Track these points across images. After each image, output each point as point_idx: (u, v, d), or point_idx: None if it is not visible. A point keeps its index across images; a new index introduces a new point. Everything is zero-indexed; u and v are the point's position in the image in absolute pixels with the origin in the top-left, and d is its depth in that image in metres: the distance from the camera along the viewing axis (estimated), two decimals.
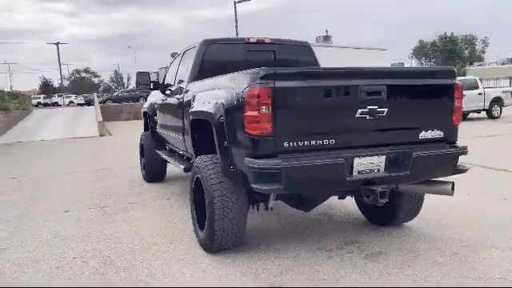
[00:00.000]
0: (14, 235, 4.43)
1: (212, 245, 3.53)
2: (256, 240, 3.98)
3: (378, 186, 3.23)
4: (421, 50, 70.96)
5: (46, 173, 8.48)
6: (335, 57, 39.39)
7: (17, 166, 9.55)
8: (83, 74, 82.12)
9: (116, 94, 42.75)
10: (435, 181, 3.63)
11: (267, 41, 5.04)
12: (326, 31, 57.17)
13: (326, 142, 3.07)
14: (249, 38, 4.99)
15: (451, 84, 3.45)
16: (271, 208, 3.66)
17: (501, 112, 17.95)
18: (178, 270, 3.39)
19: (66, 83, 72.80)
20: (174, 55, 27.57)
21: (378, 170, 3.24)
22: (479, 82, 18.10)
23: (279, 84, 2.92)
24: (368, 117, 3.13)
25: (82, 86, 75.31)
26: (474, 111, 17.75)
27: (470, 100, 17.19)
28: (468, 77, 20.65)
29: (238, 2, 27.24)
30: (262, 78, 2.91)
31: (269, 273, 3.25)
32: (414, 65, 70.34)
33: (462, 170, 3.53)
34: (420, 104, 3.43)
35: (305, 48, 5.29)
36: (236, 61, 4.79)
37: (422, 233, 4.10)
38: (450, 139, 3.51)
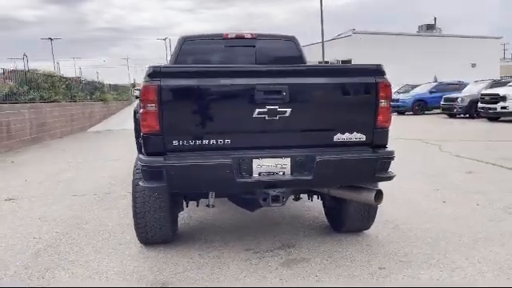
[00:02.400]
0: None
1: (139, 237, 3.70)
2: (200, 236, 4.06)
3: (275, 190, 3.09)
4: None
5: (98, 157, 9.45)
6: (436, 47, 36.88)
7: (82, 151, 10.75)
8: None
9: None
10: (361, 187, 3.35)
11: (247, 36, 4.96)
12: (434, 19, 53.31)
13: (220, 141, 3.02)
14: (227, 34, 4.96)
15: (374, 83, 3.12)
16: (213, 205, 3.71)
17: None
18: (100, 257, 3.60)
19: None
20: None
21: (283, 173, 3.10)
22: None
23: (166, 82, 2.92)
24: (267, 117, 3.00)
25: None
26: None
27: None
28: None
29: None
30: (148, 75, 2.95)
31: (171, 270, 3.31)
32: None
33: (386, 178, 3.20)
34: (334, 104, 3.17)
35: (289, 43, 5.11)
36: (214, 57, 4.84)
37: (372, 242, 3.80)
38: (375, 143, 3.19)
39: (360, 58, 36.21)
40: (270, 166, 3.07)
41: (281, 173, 3.09)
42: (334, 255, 3.54)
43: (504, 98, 15.22)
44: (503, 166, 7.08)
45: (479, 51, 37.66)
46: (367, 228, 4.02)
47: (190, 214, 4.72)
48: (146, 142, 3.01)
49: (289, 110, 3.01)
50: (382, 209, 4.87)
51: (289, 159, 3.09)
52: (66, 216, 4.87)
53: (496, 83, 18.30)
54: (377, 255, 3.52)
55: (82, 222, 4.64)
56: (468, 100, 17.57)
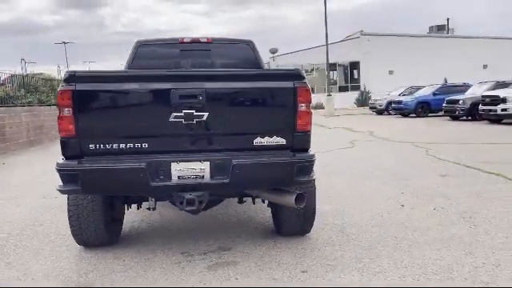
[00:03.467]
0: None
1: (75, 239, 3.77)
2: (143, 239, 4.12)
3: (191, 193, 3.11)
4: None
5: None
6: (447, 48, 36.31)
7: None
8: None
9: None
10: (284, 190, 3.36)
11: (203, 40, 4.99)
12: (447, 20, 52.67)
13: (137, 145, 3.07)
14: (183, 38, 5.01)
15: (293, 87, 3.13)
16: (153, 208, 3.76)
17: None
18: (36, 259, 3.67)
19: None
20: (273, 51, 28.39)
21: (203, 177, 3.13)
22: None
23: (81, 87, 2.98)
24: (184, 121, 3.04)
25: None
26: None
27: None
28: None
29: None
30: (64, 80, 3.01)
31: (98, 272, 3.36)
32: None
33: (305, 181, 3.20)
34: (252, 109, 3.19)
35: (245, 47, 5.11)
36: (169, 61, 4.87)
37: (308, 246, 3.80)
38: (296, 146, 3.20)
39: (368, 60, 36.06)
40: (189, 169, 3.10)
41: (200, 176, 3.12)
42: (264, 258, 3.55)
43: (504, 100, 14.94)
44: (481, 170, 6.96)
45: (491, 52, 36.93)
46: (307, 231, 4.02)
47: (142, 218, 4.79)
48: (63, 146, 3.07)
49: (206, 115, 3.05)
50: (339, 211, 4.90)
51: (208, 163, 3.12)
52: (24, 218, 4.98)
53: (500, 85, 17.96)
54: (306, 259, 3.52)
55: (37, 224, 4.74)
56: (470, 102, 17.30)
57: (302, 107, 3.15)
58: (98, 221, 3.62)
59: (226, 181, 3.07)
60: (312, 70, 38.09)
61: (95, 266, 3.48)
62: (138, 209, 4.07)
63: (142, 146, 3.07)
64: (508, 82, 17.76)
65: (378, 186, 6.16)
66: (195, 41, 4.97)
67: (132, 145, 3.06)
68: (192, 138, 3.12)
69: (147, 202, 3.69)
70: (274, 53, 39.10)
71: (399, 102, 22.10)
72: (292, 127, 3.16)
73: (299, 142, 3.20)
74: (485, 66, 36.98)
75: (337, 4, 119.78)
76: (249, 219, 4.74)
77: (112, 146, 3.05)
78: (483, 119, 16.37)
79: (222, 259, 3.55)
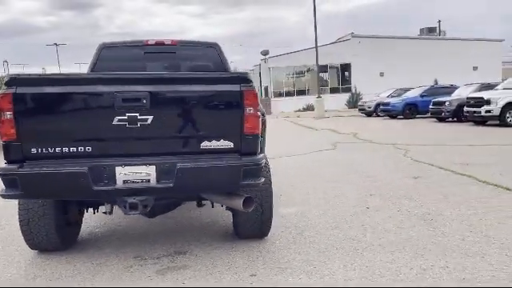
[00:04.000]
0: None
1: (28, 244, 3.74)
2: (101, 243, 4.10)
3: (135, 198, 3.10)
4: None
5: None
6: (438, 50, 36.53)
7: None
8: None
9: None
10: (233, 193, 3.36)
11: (167, 42, 4.98)
12: (439, 22, 53.03)
13: (80, 149, 3.05)
14: (147, 40, 5.00)
15: (239, 91, 3.13)
16: (110, 212, 3.75)
17: None
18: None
19: None
20: (264, 53, 28.44)
21: (149, 181, 3.12)
22: None
23: (21, 90, 2.95)
24: (128, 125, 3.02)
25: None
26: None
27: None
28: None
29: None
30: (5, 84, 2.99)
31: (46, 276, 3.35)
32: None
33: (253, 185, 3.20)
34: (198, 112, 3.19)
35: (211, 49, 5.11)
36: (133, 64, 4.86)
37: (264, 249, 3.79)
38: (244, 150, 3.19)
39: (359, 62, 36.16)
40: (134, 173, 3.09)
41: (146, 180, 3.11)
42: (217, 262, 3.54)
43: (488, 102, 15.01)
44: (454, 172, 6.99)
45: (481, 54, 37.16)
46: (264, 234, 4.02)
47: (104, 221, 4.76)
48: (5, 150, 3.04)
49: (151, 118, 3.04)
50: (304, 213, 4.90)
51: (154, 167, 3.11)
52: None
53: (485, 86, 18.05)
54: (259, 262, 3.52)
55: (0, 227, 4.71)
56: (455, 104, 17.37)
57: (250, 111, 3.15)
58: (50, 225, 3.60)
59: (170, 185, 3.06)
60: (308, 70, 38.17)
61: (44, 270, 3.46)
62: (94, 213, 4.04)
63: (85, 149, 3.05)
64: (493, 84, 17.83)
65: (349, 188, 6.17)
66: (160, 43, 4.97)
67: (75, 149, 3.04)
68: (137, 141, 3.11)
69: (104, 206, 3.68)
70: (265, 55, 39.17)
71: (387, 104, 22.17)
72: (239, 131, 3.15)
73: (247, 146, 3.19)
74: (475, 68, 37.22)
75: (333, 6, 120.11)
76: (212, 223, 4.73)
77: (55, 150, 3.03)
78: (468, 121, 16.44)
79: (174, 263, 3.54)
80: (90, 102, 3.11)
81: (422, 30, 43.83)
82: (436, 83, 29.33)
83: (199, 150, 3.15)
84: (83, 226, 4.35)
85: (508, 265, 3.28)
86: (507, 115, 14.70)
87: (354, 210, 5.03)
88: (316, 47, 27.36)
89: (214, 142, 3.14)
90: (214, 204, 4.11)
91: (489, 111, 14.93)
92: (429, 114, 19.97)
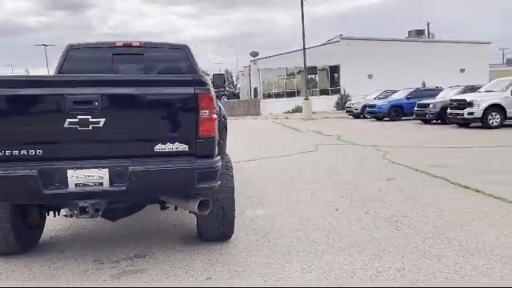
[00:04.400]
0: None
1: None
2: (63, 247, 4.07)
3: (86, 201, 3.08)
4: None
5: None
6: (426, 52, 36.84)
7: None
8: None
9: None
10: (189, 196, 3.35)
11: (135, 44, 4.97)
12: (428, 25, 53.51)
13: (31, 152, 3.02)
14: (115, 42, 4.98)
15: (193, 93, 3.13)
16: (71, 215, 3.70)
17: None
18: None
19: None
20: (254, 54, 28.42)
21: (102, 184, 3.10)
22: None
23: None
24: (79, 127, 3.01)
25: None
26: None
27: None
28: None
29: None
30: None
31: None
32: None
33: (208, 188, 3.19)
34: (152, 115, 3.18)
35: (180, 51, 5.10)
36: (100, 65, 4.83)
37: (226, 252, 3.79)
38: (199, 153, 3.19)
39: (348, 64, 36.32)
40: (86, 176, 3.07)
41: (98, 183, 3.09)
42: (176, 265, 3.53)
43: (471, 104, 15.15)
44: (429, 174, 7.04)
45: (468, 56, 37.52)
46: (227, 237, 4.02)
47: (71, 225, 4.73)
48: None
49: (103, 120, 3.02)
50: (272, 216, 4.91)
51: (107, 170, 3.09)
52: None
53: (469, 89, 18.23)
54: (218, 265, 3.51)
55: None
56: (439, 106, 17.50)
57: (205, 114, 3.15)
58: (7, 228, 3.56)
59: (123, 188, 3.05)
60: (299, 72, 38.26)
61: (0, 274, 3.42)
62: (54, 216, 4.00)
63: (35, 152, 3.02)
64: (476, 87, 18.02)
65: (322, 190, 6.19)
66: (127, 45, 4.95)
67: (25, 151, 3.01)
68: (89, 144, 3.09)
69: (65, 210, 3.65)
70: (254, 56, 39.22)
71: (373, 106, 22.29)
72: (194, 134, 3.15)
73: (202, 149, 3.19)
74: (462, 70, 37.51)
75: (326, 7, 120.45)
76: (179, 225, 4.71)
77: (4, 153, 3.00)
78: (452, 123, 16.58)
79: (133, 267, 3.52)
80: (41, 105, 3.09)
81: (410, 33, 44.17)
82: (424, 85, 29.57)
83: (153, 153, 3.13)
84: (47, 229, 4.32)
85: (463, 266, 3.31)
86: (489, 117, 14.85)
87: (322, 212, 5.04)
88: (304, 49, 27.47)
89: (168, 144, 3.13)
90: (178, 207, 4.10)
91: (471, 113, 15.07)
92: (414, 116, 20.11)
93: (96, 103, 3.00)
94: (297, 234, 4.24)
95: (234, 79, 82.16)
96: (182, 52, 5.10)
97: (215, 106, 3.27)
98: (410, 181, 6.65)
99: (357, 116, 24.85)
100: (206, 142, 3.19)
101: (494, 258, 3.44)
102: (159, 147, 3.13)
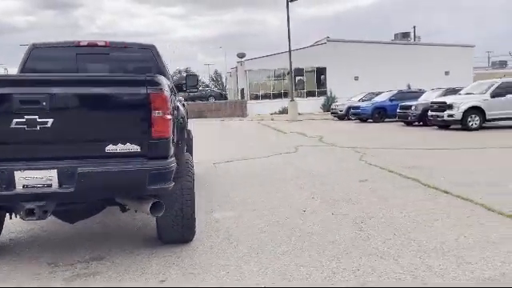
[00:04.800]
0: None
1: None
2: (20, 250, 4.00)
3: (33, 203, 3.01)
4: None
5: None
6: (411, 55, 37.19)
7: None
8: (184, 74, 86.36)
9: (188, 92, 44.65)
10: (143, 198, 3.31)
11: (100, 43, 4.89)
12: (414, 28, 53.95)
13: None
14: (80, 41, 4.90)
15: (145, 93, 3.09)
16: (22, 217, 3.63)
17: None
18: None
19: None
20: (240, 55, 28.45)
21: (51, 186, 3.04)
22: None
23: None
24: (27, 128, 2.95)
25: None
26: None
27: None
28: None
29: (291, 0, 26.78)
30: None
31: None
32: None
33: (161, 190, 3.15)
34: (103, 115, 3.13)
35: (146, 51, 5.04)
36: (64, 65, 4.76)
37: (186, 254, 3.75)
38: (152, 154, 3.14)
39: (334, 66, 36.49)
40: (34, 178, 3.01)
41: (47, 185, 3.03)
42: (131, 268, 3.49)
43: (451, 107, 15.29)
44: (402, 175, 7.07)
45: (453, 59, 37.97)
46: (189, 239, 3.98)
47: (33, 226, 4.65)
48: None
49: (51, 121, 2.97)
50: (240, 217, 4.88)
51: (55, 171, 3.03)
52: None
53: (450, 91, 18.42)
54: (174, 267, 3.48)
55: None
56: (421, 108, 17.64)
57: (158, 114, 3.11)
58: None
59: (71, 190, 2.99)
60: (287, 73, 38.28)
61: None
62: (11, 218, 3.92)
63: None
64: (457, 89, 18.21)
65: (294, 192, 6.18)
66: (92, 44, 4.88)
67: None
68: (37, 145, 3.03)
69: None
70: (241, 57, 39.22)
71: (357, 108, 22.42)
72: (147, 134, 3.11)
73: (155, 150, 3.15)
74: (447, 73, 37.92)
75: (318, 10, 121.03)
76: (143, 226, 4.66)
77: None
78: (433, 125, 16.73)
79: (87, 270, 3.47)
80: None
81: (396, 35, 44.59)
82: (409, 87, 29.80)
83: (104, 154, 3.09)
84: (7, 231, 4.25)
85: (418, 267, 3.32)
86: (469, 119, 14.99)
87: (290, 213, 5.03)
88: (289, 51, 27.53)
89: (119, 145, 3.09)
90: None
91: (451, 115, 15.21)
92: (397, 118, 20.25)
93: (44, 103, 2.95)
94: (260, 236, 4.22)
95: (224, 80, 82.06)
96: (148, 52, 5.04)
97: (169, 106, 3.23)
98: (382, 182, 6.67)
99: (342, 118, 24.95)
100: (159, 143, 3.15)
101: (449, 259, 3.45)
102: (110, 148, 3.08)
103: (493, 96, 15.07)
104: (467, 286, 2.99)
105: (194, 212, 3.84)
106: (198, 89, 6.47)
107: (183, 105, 6.97)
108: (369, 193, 5.94)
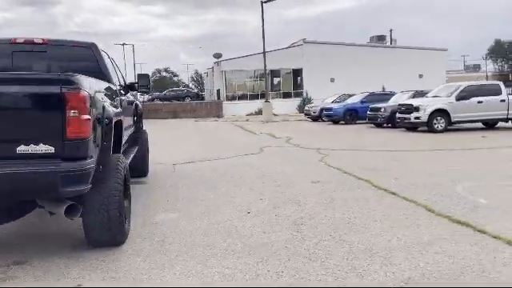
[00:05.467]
0: None
1: None
2: None
3: None
4: (498, 51, 64.59)
5: None
6: (386, 57, 37.73)
7: None
8: (164, 74, 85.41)
9: (164, 92, 44.40)
10: (61, 200, 3.22)
11: (37, 41, 4.76)
12: (391, 31, 54.64)
13: None
14: (16, 38, 4.76)
15: (59, 93, 3.00)
16: None
17: None
18: None
19: None
20: (217, 56, 28.31)
21: None
22: (502, 88, 15.90)
23: None
24: None
25: (161, 85, 76.21)
26: (500, 120, 15.80)
27: (492, 107, 15.33)
28: (491, 81, 18.25)
29: (266, 1, 26.82)
30: None
31: None
32: (490, 66, 64.64)
33: (75, 192, 3.06)
34: (12, 114, 3.04)
35: (86, 50, 4.93)
36: None
37: (110, 257, 3.65)
38: (67, 155, 3.05)
39: (311, 68, 36.72)
40: None
41: None
42: (50, 273, 3.38)
43: (417, 109, 15.53)
44: (356, 176, 7.11)
45: (426, 62, 38.66)
46: (119, 242, 3.89)
47: None
48: None
49: None
50: (183, 220, 4.80)
51: None
52: None
53: (418, 94, 18.71)
54: (96, 271, 3.39)
55: None
56: (390, 110, 17.86)
57: (74, 114, 3.02)
58: None
59: None
60: (264, 74, 38.28)
61: None
62: None
63: None
64: (425, 92, 18.52)
65: (245, 193, 6.14)
66: (29, 42, 4.74)
67: None
68: None
69: None
70: (218, 58, 39.08)
71: (329, 109, 22.56)
72: (61, 135, 3.02)
73: (71, 151, 3.06)
74: (420, 76, 38.57)
75: (298, 11, 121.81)
76: (79, 230, 4.50)
77: None
78: (402, 127, 16.97)
79: (5, 274, 3.35)
80: None
81: (371, 38, 45.16)
82: (384, 90, 30.17)
83: (15, 155, 2.98)
84: None
85: (341, 269, 3.31)
86: (434, 122, 15.25)
87: (234, 215, 4.98)
88: (264, 52, 27.61)
89: (31, 146, 2.99)
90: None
91: (418, 118, 15.45)
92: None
93: None
94: (195, 239, 4.16)
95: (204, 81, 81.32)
96: (88, 50, 4.93)
97: (87, 106, 3.14)
98: (335, 183, 6.69)
99: (315, 119, 25.08)
100: (75, 144, 3.06)
101: (375, 260, 3.46)
102: (21, 149, 2.98)
103: (458, 99, 15.36)
104: (468, 287, 3.03)
105: (122, 215, 3.74)
106: (149, 88, 6.39)
107: (136, 105, 6.88)
108: (318, 194, 5.94)
